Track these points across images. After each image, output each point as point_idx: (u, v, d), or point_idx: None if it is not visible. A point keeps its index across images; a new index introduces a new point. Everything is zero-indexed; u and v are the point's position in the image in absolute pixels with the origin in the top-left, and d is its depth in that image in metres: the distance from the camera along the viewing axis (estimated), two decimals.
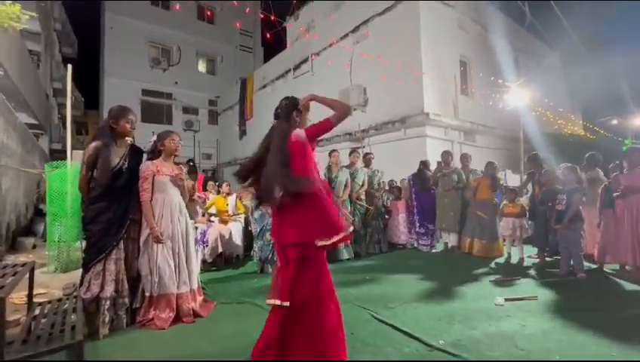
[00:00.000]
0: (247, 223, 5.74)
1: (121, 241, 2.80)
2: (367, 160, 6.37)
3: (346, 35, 11.44)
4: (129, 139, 3.03)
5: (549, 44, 14.94)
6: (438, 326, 2.76)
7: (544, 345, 2.43)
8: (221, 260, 5.15)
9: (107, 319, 2.67)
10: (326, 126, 2.15)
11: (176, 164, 3.28)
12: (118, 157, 2.83)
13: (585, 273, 4.27)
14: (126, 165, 2.86)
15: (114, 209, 2.77)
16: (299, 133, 2.16)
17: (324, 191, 2.09)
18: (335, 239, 1.98)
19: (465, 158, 6.45)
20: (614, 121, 15.32)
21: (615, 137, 13.06)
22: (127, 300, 2.81)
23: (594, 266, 4.69)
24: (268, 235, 4.64)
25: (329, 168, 5.67)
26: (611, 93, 15.84)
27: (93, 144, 2.76)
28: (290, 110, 2.25)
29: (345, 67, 10.93)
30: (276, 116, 2.29)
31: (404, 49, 9.35)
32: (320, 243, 1.97)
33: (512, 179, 9.17)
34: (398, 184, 7.22)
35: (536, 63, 13.69)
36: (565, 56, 15.53)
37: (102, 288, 2.68)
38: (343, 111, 2.14)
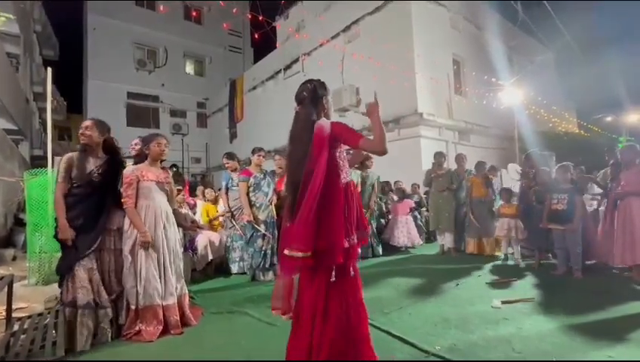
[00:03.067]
0: None
1: (95, 251, 2.70)
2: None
3: (337, 35, 11.30)
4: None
5: (542, 42, 15.01)
6: (434, 331, 2.73)
7: (541, 347, 2.42)
8: (211, 268, 4.96)
9: (84, 330, 2.52)
10: (353, 139, 1.84)
11: (162, 168, 3.16)
12: (93, 165, 2.78)
13: (582, 273, 4.21)
14: (99, 172, 2.79)
15: (85, 216, 2.69)
16: (324, 125, 1.86)
17: (328, 201, 1.79)
18: (295, 254, 1.74)
19: (460, 158, 6.32)
20: (608, 118, 15.47)
21: (609, 134, 13.12)
22: (109, 311, 2.68)
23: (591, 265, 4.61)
24: (260, 242, 4.51)
25: None
26: (605, 90, 15.99)
27: (69, 155, 2.77)
28: (319, 94, 1.97)
29: (336, 67, 10.73)
30: (300, 101, 1.99)
31: (397, 48, 9.20)
32: (286, 251, 1.80)
33: (508, 179, 9.04)
34: (399, 186, 7.07)
35: (529, 61, 13.73)
36: (559, 53, 15.65)
37: (74, 296, 2.58)
38: (379, 144, 1.78)
